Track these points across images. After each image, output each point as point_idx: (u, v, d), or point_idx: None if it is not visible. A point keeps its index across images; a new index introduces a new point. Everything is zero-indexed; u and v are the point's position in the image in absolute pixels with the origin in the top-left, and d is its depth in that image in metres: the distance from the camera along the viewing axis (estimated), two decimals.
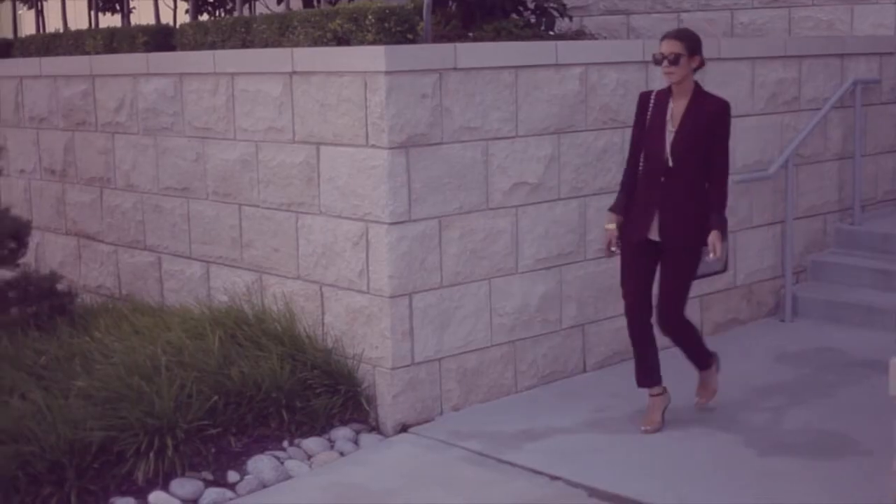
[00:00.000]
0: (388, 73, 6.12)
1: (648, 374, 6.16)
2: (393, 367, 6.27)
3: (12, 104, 9.18)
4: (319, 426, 6.22)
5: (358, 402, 6.38)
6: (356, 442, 6.21)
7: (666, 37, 5.92)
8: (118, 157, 8.08)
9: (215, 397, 5.97)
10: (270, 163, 6.83)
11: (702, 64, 5.94)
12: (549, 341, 6.97)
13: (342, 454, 6.07)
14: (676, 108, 5.92)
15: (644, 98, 6.08)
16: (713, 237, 5.80)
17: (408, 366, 6.32)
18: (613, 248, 6.07)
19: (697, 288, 6.67)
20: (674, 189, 5.90)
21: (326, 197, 6.50)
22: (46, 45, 9.75)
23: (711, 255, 5.83)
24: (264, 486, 5.70)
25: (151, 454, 5.64)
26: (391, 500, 5.48)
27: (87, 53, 8.90)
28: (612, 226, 6.08)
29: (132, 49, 8.57)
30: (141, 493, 5.55)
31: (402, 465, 5.89)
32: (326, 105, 6.45)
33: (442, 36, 7.48)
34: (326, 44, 6.87)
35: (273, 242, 6.89)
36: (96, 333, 6.75)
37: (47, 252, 8.92)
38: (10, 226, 7.19)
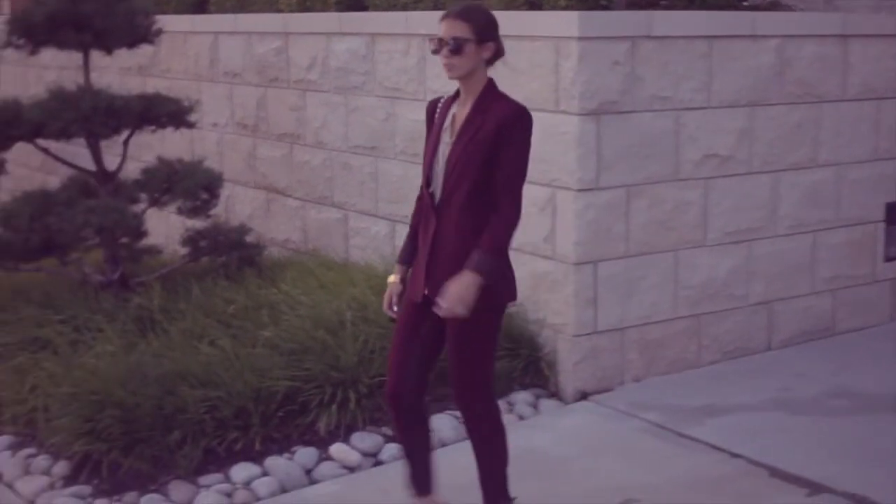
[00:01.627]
0: (580, 39, 6.13)
1: (416, 480, 4.75)
2: (575, 335, 6.31)
3: (207, 59, 9.47)
4: (499, 389, 6.31)
5: (538, 368, 6.45)
6: (535, 407, 6.28)
7: (446, 16, 4.33)
8: (309, 114, 8.27)
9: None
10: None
11: (498, 54, 4.35)
12: (734, 317, 6.92)
13: (521, 418, 6.15)
14: (459, 116, 4.35)
15: (430, 107, 4.50)
16: (451, 284, 4.15)
17: (590, 334, 6.36)
18: (395, 308, 4.58)
19: None
20: (447, 224, 4.32)
21: None
22: (241, 1, 10.01)
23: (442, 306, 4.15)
24: (443, 445, 5.80)
25: (334, 407, 5.82)
26: (568, 466, 5.53)
27: (281, 11, 9.12)
28: (395, 278, 4.59)
29: (325, 8, 8.76)
30: (322, 444, 5.73)
31: (581, 433, 5.94)
32: (517, 69, 6.48)
33: (633, 3, 7.45)
34: (518, 8, 6.92)
35: None
36: (283, 286, 6.95)
37: (236, 205, 9.20)
38: (203, 178, 7.43)
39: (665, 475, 5.39)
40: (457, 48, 4.23)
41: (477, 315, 4.21)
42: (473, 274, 4.12)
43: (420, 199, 4.49)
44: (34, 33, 7.17)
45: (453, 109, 4.38)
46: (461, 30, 4.24)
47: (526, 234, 6.52)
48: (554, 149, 6.28)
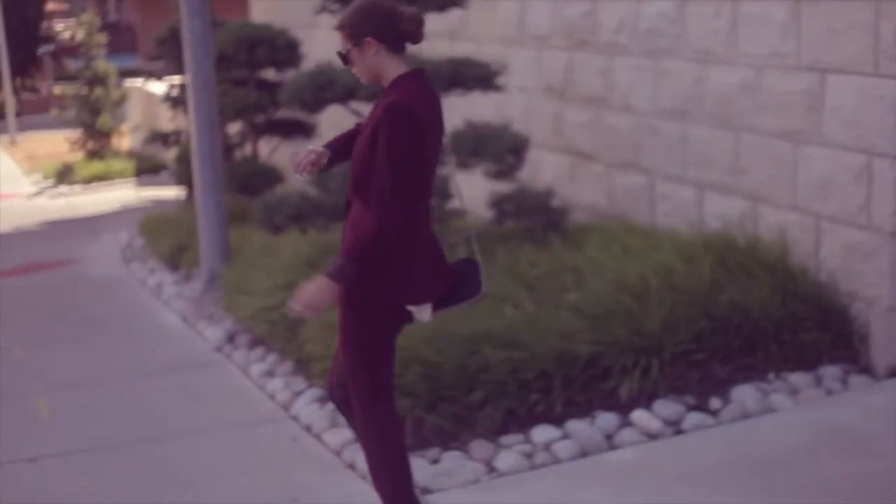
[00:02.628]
0: None
1: None
2: (890, 308, 6.10)
3: (515, 23, 9.59)
4: (806, 362, 6.18)
5: (849, 342, 6.27)
6: (844, 382, 6.11)
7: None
8: (616, 77, 8.27)
9: (703, 322, 6.06)
10: (772, 88, 6.78)
11: (389, 40, 4.14)
12: None
13: (829, 393, 5.99)
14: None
15: None
16: (306, 285, 4.06)
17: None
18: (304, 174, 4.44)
19: None
20: (346, 222, 4.27)
21: (829, 126, 6.38)
22: None
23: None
24: (746, 417, 5.75)
25: (637, 373, 5.84)
26: (877, 445, 5.35)
27: None
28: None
29: None
30: (623, 410, 5.76)
31: (892, 411, 5.75)
32: (834, 31, 6.30)
33: None
34: None
35: (769, 170, 6.85)
36: (588, 250, 7.00)
37: (542, 169, 9.30)
38: (510, 141, 7.56)
39: None
40: (345, 61, 4.19)
41: (343, 317, 4.18)
42: (324, 277, 4.01)
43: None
44: None
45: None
46: (342, 41, 4.20)
47: (839, 202, 6.35)
48: (871, 113, 6.07)
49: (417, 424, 5.66)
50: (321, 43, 12.72)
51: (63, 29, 37.40)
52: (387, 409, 4.28)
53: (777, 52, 6.72)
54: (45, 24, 42.50)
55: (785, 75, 6.68)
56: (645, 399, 5.80)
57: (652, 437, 5.62)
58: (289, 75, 11.14)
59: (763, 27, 6.81)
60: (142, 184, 17.64)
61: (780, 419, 5.73)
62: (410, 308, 4.23)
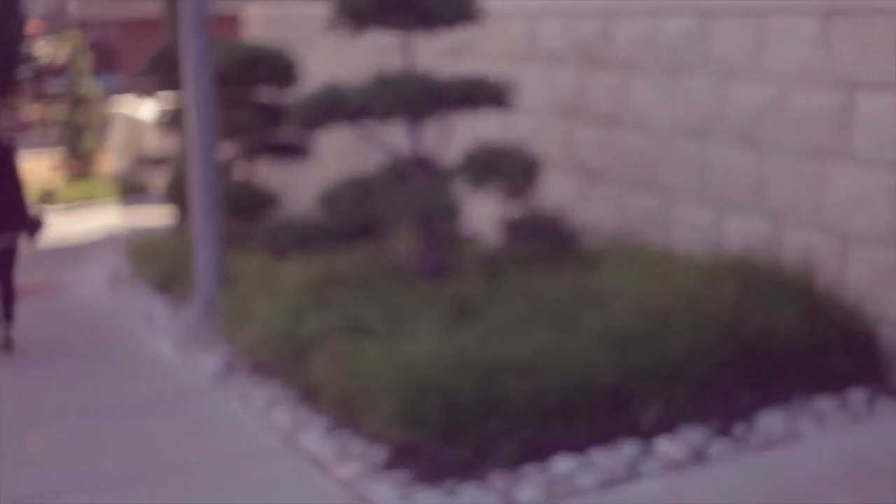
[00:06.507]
0: None
1: None
2: None
3: (523, 40, 9.60)
4: (833, 387, 6.18)
5: (876, 366, 6.28)
6: (871, 407, 6.11)
7: None
8: (632, 95, 8.28)
9: (727, 347, 6.06)
10: (799, 105, 6.80)
11: None
12: None
13: (855, 418, 5.99)
14: None
15: None
16: None
17: None
18: None
19: None
20: None
21: (858, 143, 6.40)
22: None
23: None
24: (772, 443, 5.74)
25: (660, 400, 5.84)
26: None
27: None
28: None
29: None
30: (646, 438, 5.75)
31: None
32: (865, 46, 6.32)
33: None
34: None
35: (794, 190, 6.85)
36: (605, 274, 7.00)
37: (551, 189, 9.31)
38: (523, 162, 7.56)
39: None
40: None
41: None
42: None
43: None
44: (360, 14, 7.47)
45: None
46: None
47: (867, 222, 6.35)
48: None
49: (435, 455, 5.65)
50: (318, 62, 12.74)
51: (45, 49, 37.45)
52: None
53: (805, 68, 6.73)
54: (25, 45, 42.53)
55: (813, 91, 6.69)
56: (668, 426, 5.81)
57: (676, 465, 5.61)
58: (287, 95, 11.17)
59: (791, 42, 6.83)
60: (126, 206, 17.64)
61: (807, 446, 5.72)
62: None
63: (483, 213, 9.35)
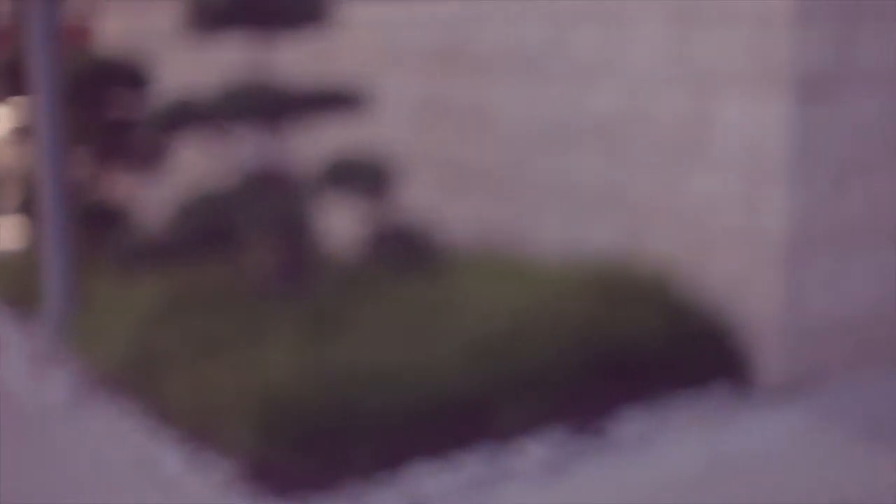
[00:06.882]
0: None
1: None
2: (775, 328, 6.20)
3: (385, 46, 9.54)
4: (693, 385, 6.26)
5: (736, 362, 6.39)
6: (730, 404, 6.20)
7: None
8: (491, 102, 8.26)
9: (587, 352, 6.07)
10: (656, 111, 6.83)
11: None
12: None
13: (715, 415, 6.07)
14: None
15: None
16: None
17: (789, 330, 6.21)
18: None
19: None
20: None
21: (715, 148, 6.46)
22: None
23: None
24: (632, 443, 5.77)
25: (519, 405, 5.81)
26: (767, 467, 5.42)
27: None
28: None
29: None
30: (506, 441, 5.76)
31: (781, 432, 5.82)
32: (722, 51, 6.38)
33: None
34: None
35: (653, 195, 6.89)
36: (463, 282, 6.96)
37: (415, 198, 9.25)
38: (379, 170, 7.48)
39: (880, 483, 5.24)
40: None
41: None
42: None
43: None
44: (214, 18, 7.31)
45: None
46: None
47: (724, 224, 6.42)
48: (758, 135, 6.19)
49: (290, 468, 5.54)
50: (175, 73, 12.54)
51: None
52: None
53: (663, 75, 6.77)
54: None
55: (671, 98, 6.73)
56: (528, 430, 5.82)
57: (536, 468, 5.59)
58: (142, 106, 10.95)
59: (648, 49, 6.86)
60: None
61: (667, 445, 5.77)
62: None
63: (344, 225, 9.26)
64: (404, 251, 7.63)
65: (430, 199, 9.07)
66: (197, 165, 12.21)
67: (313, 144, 9.16)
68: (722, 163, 6.39)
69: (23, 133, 12.06)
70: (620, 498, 5.17)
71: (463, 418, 5.78)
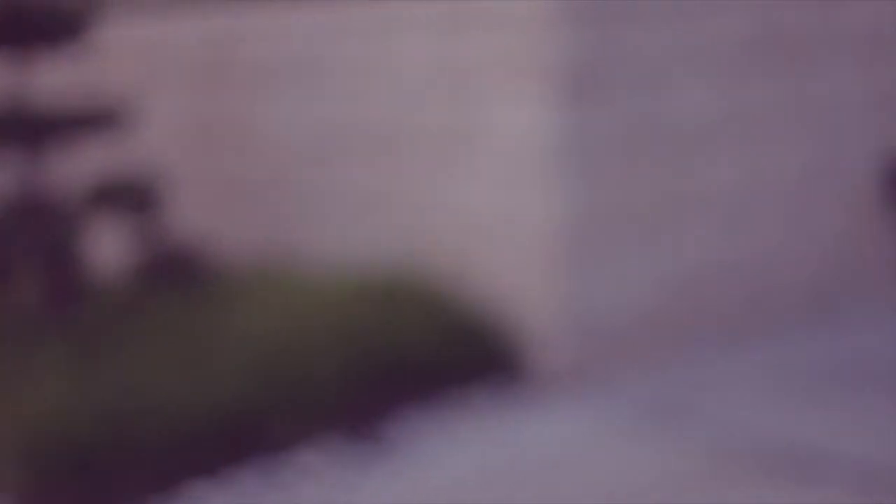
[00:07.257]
0: None
1: None
2: (547, 329, 6.27)
3: (151, 61, 9.40)
4: (470, 387, 6.29)
5: (508, 363, 6.43)
6: (501, 399, 6.28)
7: None
8: (264, 116, 8.20)
9: (357, 362, 6.07)
10: (419, 121, 6.88)
11: None
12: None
13: (483, 411, 6.14)
14: None
15: None
16: None
17: (560, 327, 6.31)
18: None
19: None
20: None
21: (477, 155, 6.52)
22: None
23: None
24: (405, 447, 5.80)
25: (295, 418, 5.78)
26: (558, 463, 5.48)
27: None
28: None
29: None
30: (283, 453, 5.74)
31: (556, 429, 5.89)
32: (485, 60, 6.43)
33: None
34: None
35: (426, 206, 6.93)
36: (239, 303, 6.89)
37: (189, 217, 9.13)
38: (146, 189, 7.34)
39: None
40: None
41: None
42: None
43: None
44: None
45: None
46: None
47: (486, 223, 6.48)
48: (519, 141, 6.23)
49: (62, 497, 5.41)
50: None
51: None
52: None
53: (428, 82, 6.80)
54: None
55: (436, 105, 6.77)
56: (306, 442, 5.79)
57: (315, 477, 5.56)
58: None
59: (417, 59, 6.89)
60: None
61: (443, 446, 5.78)
62: None
63: (115, 248, 9.09)
64: (177, 272, 7.50)
65: (202, 218, 8.96)
66: None
67: (79, 167, 8.97)
68: (488, 167, 6.45)
69: None
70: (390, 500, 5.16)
71: (238, 436, 5.72)
